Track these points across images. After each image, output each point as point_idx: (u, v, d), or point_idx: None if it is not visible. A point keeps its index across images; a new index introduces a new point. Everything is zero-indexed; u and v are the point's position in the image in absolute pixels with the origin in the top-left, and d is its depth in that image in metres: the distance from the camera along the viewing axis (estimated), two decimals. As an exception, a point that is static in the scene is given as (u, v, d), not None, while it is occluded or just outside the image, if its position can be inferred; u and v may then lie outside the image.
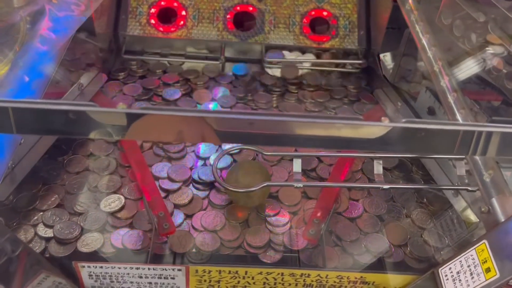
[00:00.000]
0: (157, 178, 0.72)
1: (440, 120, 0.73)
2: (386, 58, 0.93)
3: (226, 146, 0.76)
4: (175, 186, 0.71)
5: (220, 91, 0.92)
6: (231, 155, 0.76)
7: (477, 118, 0.67)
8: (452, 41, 0.73)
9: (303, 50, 1.00)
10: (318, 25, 1.00)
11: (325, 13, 0.99)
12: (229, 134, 0.39)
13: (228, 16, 0.98)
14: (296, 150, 0.72)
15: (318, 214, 0.67)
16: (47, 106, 0.36)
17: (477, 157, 0.59)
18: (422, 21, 0.76)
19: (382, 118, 0.38)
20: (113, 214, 0.67)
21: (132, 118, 0.37)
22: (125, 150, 0.75)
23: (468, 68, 0.71)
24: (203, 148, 0.78)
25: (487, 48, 0.68)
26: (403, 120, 0.38)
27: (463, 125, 0.39)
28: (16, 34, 0.69)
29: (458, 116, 0.64)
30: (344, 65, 1.00)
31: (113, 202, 0.68)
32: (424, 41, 0.74)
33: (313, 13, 0.99)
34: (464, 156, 0.63)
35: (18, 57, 0.64)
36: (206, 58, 1.00)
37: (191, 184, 0.72)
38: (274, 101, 0.92)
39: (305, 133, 0.39)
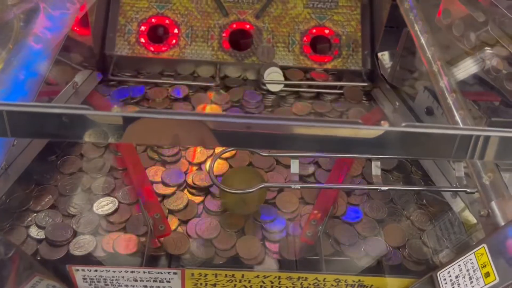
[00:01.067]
0: (151, 182, 0.71)
1: (438, 123, 0.72)
2: (384, 57, 0.92)
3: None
4: (169, 190, 0.70)
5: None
6: (226, 159, 0.75)
7: (476, 119, 0.66)
8: (451, 40, 0.73)
9: (304, 71, 0.94)
10: (319, 44, 0.96)
11: (326, 31, 0.94)
12: (227, 137, 0.38)
13: (223, 35, 0.93)
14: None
15: (316, 216, 0.66)
16: (42, 109, 0.35)
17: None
18: (421, 20, 0.76)
19: (382, 122, 0.38)
20: (106, 217, 0.66)
21: (128, 121, 0.36)
22: (121, 152, 0.74)
23: (467, 68, 0.70)
24: (197, 155, 0.76)
25: (486, 48, 0.68)
26: (403, 124, 0.37)
27: (460, 129, 0.39)
28: (10, 32, 0.67)
29: (457, 117, 0.64)
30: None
31: (106, 204, 0.67)
32: (423, 41, 0.74)
33: (314, 31, 0.94)
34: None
35: (12, 56, 0.63)
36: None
37: (185, 189, 0.71)
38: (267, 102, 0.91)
39: (304, 137, 0.38)
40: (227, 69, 0.94)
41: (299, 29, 0.94)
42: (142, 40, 0.92)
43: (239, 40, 0.95)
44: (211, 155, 0.76)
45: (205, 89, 0.91)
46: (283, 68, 0.92)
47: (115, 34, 0.92)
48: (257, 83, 0.93)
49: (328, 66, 0.94)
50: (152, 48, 0.92)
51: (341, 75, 0.95)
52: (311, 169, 0.76)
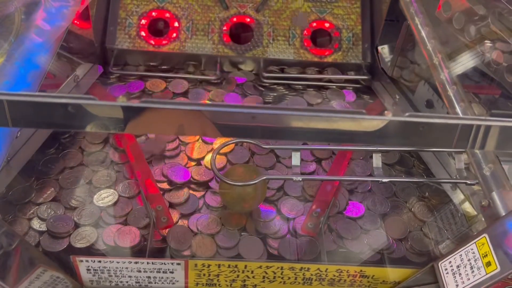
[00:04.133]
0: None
1: (439, 114, 0.73)
2: (384, 50, 0.93)
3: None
4: (170, 184, 0.70)
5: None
6: (225, 154, 0.75)
7: (476, 111, 0.67)
8: (452, 33, 0.73)
9: (304, 65, 0.94)
10: (319, 37, 0.95)
11: (327, 25, 0.94)
12: (229, 127, 0.39)
13: (224, 28, 0.92)
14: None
15: (317, 207, 0.67)
16: (46, 99, 0.35)
17: (477, 151, 0.59)
18: (421, 14, 0.76)
19: (386, 112, 0.38)
20: (107, 209, 0.66)
21: (132, 111, 0.36)
22: (123, 144, 0.74)
23: (468, 61, 0.71)
24: (196, 150, 0.76)
25: (486, 41, 0.68)
26: (407, 114, 0.38)
27: (462, 119, 0.39)
28: (11, 25, 0.67)
29: (458, 109, 0.64)
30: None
31: (106, 197, 0.67)
32: (423, 34, 0.74)
33: (314, 24, 0.93)
34: (464, 150, 0.63)
35: (13, 49, 0.63)
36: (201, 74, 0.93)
37: (186, 183, 0.71)
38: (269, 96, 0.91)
39: (307, 127, 0.38)
40: (228, 62, 0.94)
41: None
42: (143, 33, 0.91)
43: (240, 34, 0.94)
44: (210, 150, 0.75)
45: (207, 82, 0.91)
46: (284, 62, 0.92)
47: (116, 28, 0.91)
48: (258, 76, 0.93)
49: (328, 59, 0.93)
50: (152, 42, 0.91)
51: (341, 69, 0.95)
52: (312, 167, 0.75)
